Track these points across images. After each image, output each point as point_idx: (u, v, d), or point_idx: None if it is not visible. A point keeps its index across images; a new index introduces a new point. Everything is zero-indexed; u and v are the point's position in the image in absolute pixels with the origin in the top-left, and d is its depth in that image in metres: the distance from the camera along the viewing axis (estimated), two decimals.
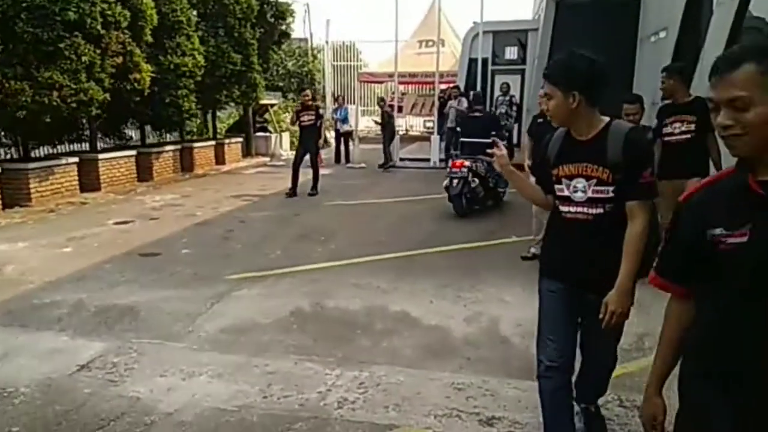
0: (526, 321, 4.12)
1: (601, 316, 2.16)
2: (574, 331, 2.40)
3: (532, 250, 5.71)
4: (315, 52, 24.53)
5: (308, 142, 9.44)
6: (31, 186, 8.34)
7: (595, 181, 2.16)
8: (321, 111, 10.16)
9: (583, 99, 2.12)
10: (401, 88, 17.08)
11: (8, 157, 9.33)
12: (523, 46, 15.50)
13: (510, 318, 4.21)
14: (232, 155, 14.33)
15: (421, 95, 23.00)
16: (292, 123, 9.97)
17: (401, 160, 13.72)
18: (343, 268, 5.47)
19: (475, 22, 16.44)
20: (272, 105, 17.47)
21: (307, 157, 9.53)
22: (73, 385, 3.19)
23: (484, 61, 13.62)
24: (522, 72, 15.22)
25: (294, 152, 10.31)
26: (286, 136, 17.08)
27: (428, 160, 13.32)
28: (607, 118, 2.21)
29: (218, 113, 15.37)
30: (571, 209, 2.24)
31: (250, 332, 3.96)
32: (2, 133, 9.19)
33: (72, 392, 3.11)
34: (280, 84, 21.76)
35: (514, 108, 13.04)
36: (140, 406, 2.98)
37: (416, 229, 7.15)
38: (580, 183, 2.19)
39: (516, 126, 13.73)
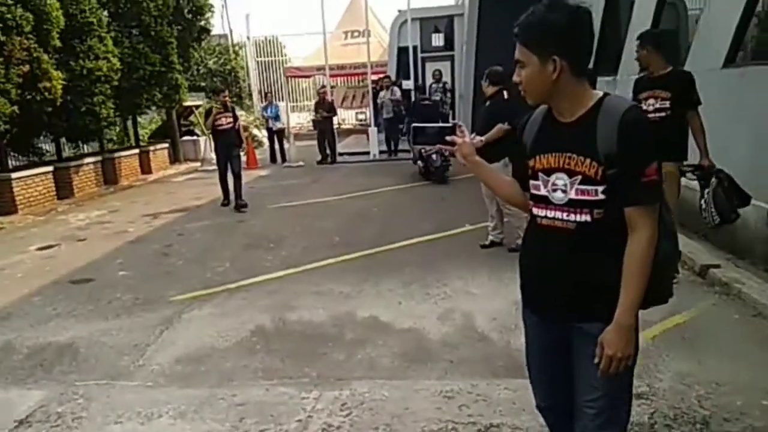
0: (499, 313, 4.02)
1: (596, 360, 1.65)
2: (564, 368, 1.81)
3: (491, 237, 5.62)
4: (236, 48, 23.66)
5: (229, 147, 8.42)
6: None
7: (579, 177, 1.63)
8: (236, 112, 9.53)
9: (565, 65, 1.61)
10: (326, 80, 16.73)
11: None
12: (450, 32, 15.50)
13: (483, 312, 4.07)
14: (159, 163, 13.52)
15: (351, 87, 22.68)
16: (208, 128, 8.94)
17: (340, 154, 13.41)
18: (300, 276, 5.16)
19: (400, 10, 16.31)
20: (197, 106, 16.66)
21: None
22: None
23: (414, 48, 13.47)
24: (452, 58, 15.24)
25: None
26: None
27: (368, 153, 13.09)
28: (599, 93, 1.68)
29: (139, 119, 14.46)
30: (549, 214, 1.71)
31: (209, 359, 3.60)
32: None
33: None
34: (203, 84, 20.82)
35: (449, 95, 13.04)
36: None
37: (369, 226, 6.91)
38: (560, 179, 1.67)
39: (451, 113, 13.74)
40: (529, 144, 1.79)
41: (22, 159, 10.57)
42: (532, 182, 1.76)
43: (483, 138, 5.02)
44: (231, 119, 8.36)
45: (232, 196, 8.48)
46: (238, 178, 8.34)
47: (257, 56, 23.02)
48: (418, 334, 3.80)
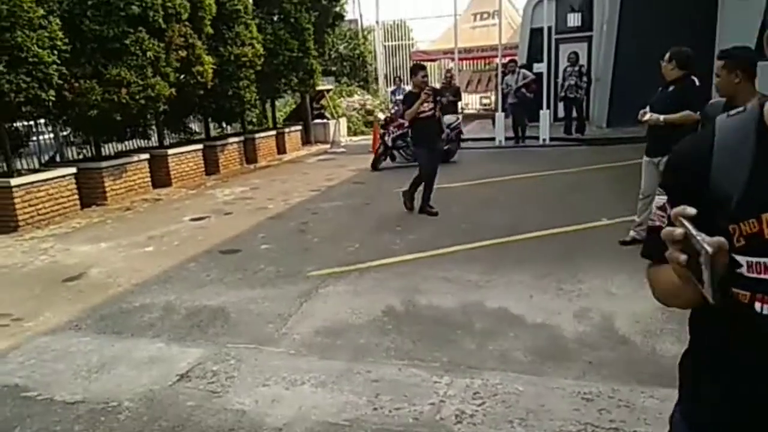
0: (642, 316, 3.78)
1: None
2: None
3: (632, 233, 5.28)
4: (365, 33, 24.17)
5: (434, 139, 6.94)
6: (106, 184, 8.48)
7: None
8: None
9: None
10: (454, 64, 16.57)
11: (81, 156, 9.53)
12: (588, 12, 14.62)
13: (624, 313, 3.85)
14: (292, 144, 14.27)
15: (476, 71, 22.31)
16: (411, 116, 6.74)
17: (463, 140, 13.27)
18: (429, 261, 5.21)
19: None
20: (328, 90, 17.30)
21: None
22: (176, 398, 3.08)
23: (548, 29, 12.88)
24: (588, 39, 14.38)
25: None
26: (343, 121, 16.92)
27: (493, 139, 12.82)
28: None
29: (276, 102, 15.34)
30: None
31: (345, 334, 3.77)
32: (74, 133, 9.39)
33: (175, 406, 3.00)
34: (333, 68, 21.57)
35: (584, 79, 12.34)
36: (247, 421, 2.83)
37: (496, 214, 6.79)
38: None
39: (585, 98, 13.02)
40: (741, 186, 0.97)
41: (174, 137, 11.66)
42: (746, 258, 0.97)
43: (662, 118, 4.70)
44: (433, 103, 6.79)
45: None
46: (430, 178, 6.93)
47: (385, 41, 23.36)
48: (552, 330, 3.69)
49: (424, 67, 7.16)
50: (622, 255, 5.03)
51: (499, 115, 12.96)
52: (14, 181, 7.01)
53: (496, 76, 14.64)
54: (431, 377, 3.17)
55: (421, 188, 7.02)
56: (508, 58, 13.98)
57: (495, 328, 3.75)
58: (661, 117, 4.70)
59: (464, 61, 21.12)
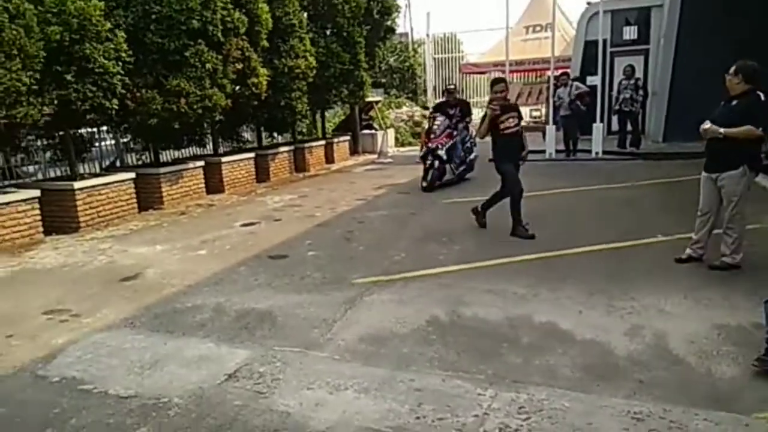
0: (698, 337, 3.64)
1: None
2: None
3: (688, 251, 5.09)
4: (416, 46, 24.33)
5: (518, 156, 6.51)
6: (163, 189, 8.81)
7: None
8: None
9: None
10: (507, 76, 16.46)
11: (140, 162, 9.95)
12: (645, 25, 14.27)
13: (678, 333, 3.71)
14: (341, 154, 14.47)
15: (527, 84, 22.08)
16: (483, 134, 6.46)
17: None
18: (474, 272, 5.16)
19: (589, 2, 15.45)
20: (377, 102, 17.48)
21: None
22: (223, 397, 3.15)
23: (603, 42, 12.64)
24: (645, 53, 14.02)
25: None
26: (391, 132, 17.04)
27: (543, 151, 12.63)
28: None
29: (326, 113, 15.62)
30: None
31: (389, 342, 3.78)
32: (134, 140, 9.82)
33: (222, 404, 3.08)
34: (383, 80, 21.79)
35: (641, 92, 12.02)
36: (292, 423, 2.87)
37: (544, 227, 6.66)
38: None
39: (641, 111, 12.68)
40: None
41: (227, 145, 12.02)
42: None
43: (722, 131, 4.55)
44: (518, 119, 6.41)
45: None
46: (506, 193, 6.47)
47: (435, 53, 23.46)
48: (602, 347, 3.58)
49: (501, 81, 6.65)
50: (676, 273, 4.87)
51: (550, 128, 12.77)
52: (77, 185, 7.39)
53: (548, 88, 14.46)
54: (475, 389, 3.14)
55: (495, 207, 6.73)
56: (560, 71, 13.79)
57: (542, 343, 3.68)
58: (721, 130, 4.54)
59: (515, 74, 20.95)
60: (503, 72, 16.20)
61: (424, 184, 9.52)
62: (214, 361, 3.59)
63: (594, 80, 12.66)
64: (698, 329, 3.75)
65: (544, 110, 19.10)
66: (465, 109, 10.34)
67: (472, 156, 10.43)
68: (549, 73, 14.40)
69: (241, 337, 3.93)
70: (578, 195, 8.63)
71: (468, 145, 10.34)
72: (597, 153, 12.22)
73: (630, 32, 14.48)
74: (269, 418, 2.92)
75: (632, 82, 11.93)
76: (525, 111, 21.93)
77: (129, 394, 3.23)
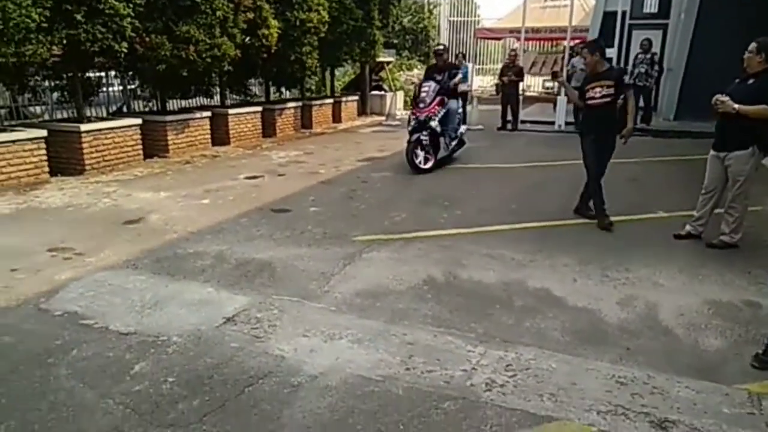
0: (689, 310, 3.70)
1: None
2: None
3: (688, 227, 5.12)
4: (431, 7, 23.84)
5: (607, 134, 5.56)
6: (169, 138, 8.81)
7: None
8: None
9: None
10: (520, 44, 16.17)
11: (146, 109, 9.91)
12: None
13: (669, 305, 3.77)
14: (348, 113, 14.36)
15: (542, 53, 21.71)
16: (581, 103, 5.74)
17: (522, 122, 13.03)
18: (474, 236, 5.21)
19: None
20: (388, 63, 17.24)
21: None
22: (221, 338, 3.24)
23: (623, 14, 12.36)
24: (664, 27, 13.72)
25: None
26: (400, 95, 16.86)
27: (553, 123, 12.52)
28: None
29: (335, 70, 15.43)
30: None
31: (385, 298, 3.85)
32: (141, 86, 9.76)
33: (220, 345, 3.17)
34: (395, 41, 21.43)
35: (656, 67, 11.83)
36: (286, 366, 2.97)
37: (547, 197, 6.70)
38: None
39: (655, 87, 12.50)
40: None
41: (234, 98, 11.94)
42: None
43: (736, 106, 4.46)
44: (612, 89, 5.39)
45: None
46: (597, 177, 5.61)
47: (450, 16, 22.99)
48: (593, 315, 3.65)
49: (585, 45, 5.98)
50: (674, 248, 4.91)
51: (561, 99, 12.62)
52: (84, 127, 7.40)
53: (563, 59, 14.23)
54: (465, 346, 3.22)
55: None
56: (577, 41, 13.54)
57: (534, 307, 3.75)
58: (735, 105, 4.48)
59: (530, 42, 20.57)
60: (518, 39, 15.92)
61: (419, 164, 7.85)
62: (214, 305, 3.68)
63: (610, 52, 12.41)
64: (689, 303, 3.81)
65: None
66: (452, 71, 8.64)
67: (462, 129, 9.01)
68: (565, 42, 14.15)
69: (240, 284, 4.01)
70: (581, 167, 8.58)
71: (459, 115, 8.95)
72: None
73: (650, 5, 14.12)
74: (264, 361, 3.01)
75: (648, 56, 11.72)
76: (538, 81, 21.68)
77: (129, 330, 3.32)
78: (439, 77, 8.35)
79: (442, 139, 8.28)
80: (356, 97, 15.07)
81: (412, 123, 8.06)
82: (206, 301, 3.73)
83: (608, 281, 4.18)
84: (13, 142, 6.55)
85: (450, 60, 9.91)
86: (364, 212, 5.98)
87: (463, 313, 3.65)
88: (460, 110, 9.14)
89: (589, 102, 5.54)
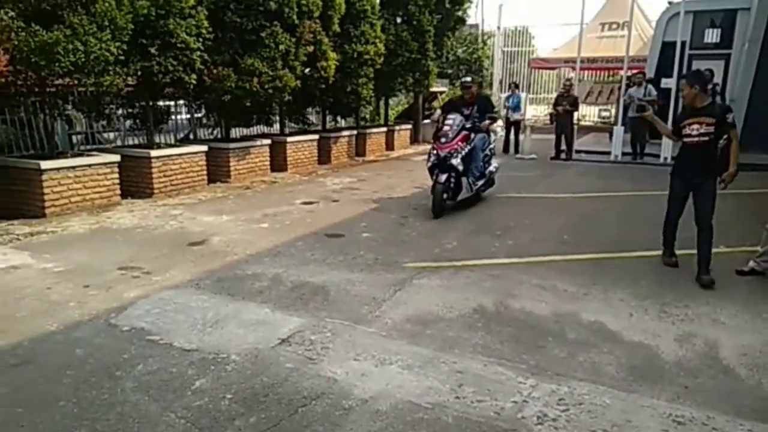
0: (751, 349, 3.57)
1: None
2: None
3: (752, 263, 4.93)
4: (485, 38, 24.04)
5: (702, 176, 4.91)
6: (231, 164, 9.22)
7: None
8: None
9: None
10: (575, 74, 16.07)
11: (211, 137, 10.41)
12: (729, 28, 13.57)
13: (731, 343, 3.64)
14: (401, 142, 14.59)
15: (598, 82, 21.45)
16: (668, 133, 5.51)
17: (576, 152, 12.88)
18: (525, 267, 5.19)
19: (671, 2, 14.84)
20: (441, 92, 17.46)
21: None
22: (276, 359, 3.36)
23: (682, 44, 12.13)
24: (726, 57, 13.35)
25: None
26: None
27: (608, 153, 12.32)
28: None
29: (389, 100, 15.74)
30: None
31: (435, 325, 3.89)
32: (207, 115, 10.28)
33: (275, 365, 3.28)
34: (449, 71, 21.68)
35: (718, 98, 11.50)
36: (337, 389, 3.04)
37: (601, 229, 6.59)
38: None
39: None
40: None
41: (292, 126, 12.36)
42: None
43: None
44: (712, 127, 4.76)
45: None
46: (707, 231, 4.84)
47: (504, 46, 23.11)
48: (650, 350, 3.57)
49: (684, 76, 5.29)
50: (736, 285, 4.73)
51: (618, 129, 12.43)
52: (153, 153, 7.86)
53: (619, 88, 14.04)
54: (516, 377, 3.21)
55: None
56: (634, 71, 13.36)
57: (588, 341, 3.69)
58: None
59: (586, 71, 20.40)
60: (573, 69, 15.82)
61: (435, 207, 6.98)
62: (270, 325, 3.82)
63: (669, 83, 12.19)
64: (753, 342, 3.67)
65: (613, 111, 18.53)
66: (485, 106, 7.91)
67: (492, 167, 8.07)
68: (622, 72, 13.97)
69: (295, 306, 4.14)
70: (640, 199, 8.41)
71: (488, 152, 7.99)
72: (666, 158, 11.80)
73: (712, 35, 13.81)
74: (317, 383, 3.10)
75: (710, 87, 11.41)
76: (594, 110, 21.39)
77: (191, 347, 3.49)
78: (467, 112, 7.56)
79: (464, 179, 7.30)
80: (409, 126, 15.30)
81: (432, 159, 7.15)
82: (263, 321, 3.88)
83: (666, 317, 4.07)
84: (89, 165, 7.02)
85: (491, 91, 9.47)
86: (415, 239, 6.06)
87: (514, 343, 3.64)
88: (492, 146, 8.22)
89: (686, 140, 4.94)
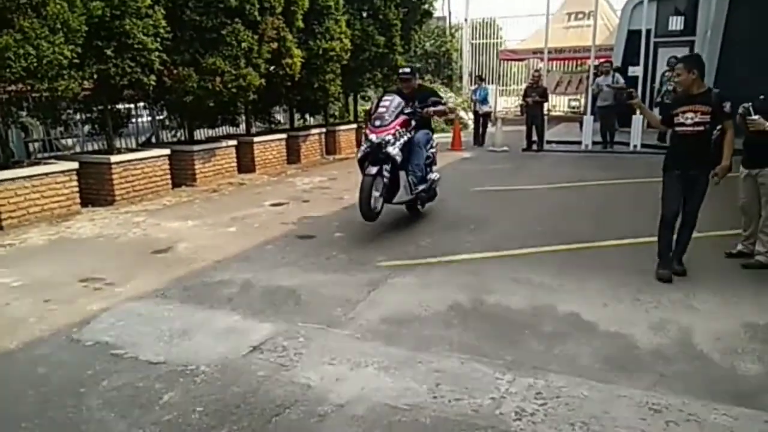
0: (725, 334, 3.59)
1: None
2: None
3: (740, 246, 5.02)
4: (453, 30, 24.05)
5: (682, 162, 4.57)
6: (196, 167, 8.99)
7: None
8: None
9: None
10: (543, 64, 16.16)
11: (174, 139, 10.15)
12: (693, 15, 13.80)
13: (705, 329, 3.65)
14: None
15: (566, 72, 21.64)
16: (657, 125, 5.30)
17: (547, 142, 12.96)
18: (500, 261, 5.15)
19: None
20: None
21: None
22: (248, 367, 3.25)
23: (647, 32, 12.28)
24: (690, 44, 13.58)
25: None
26: None
27: (579, 142, 12.43)
28: None
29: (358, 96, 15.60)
30: None
31: (410, 324, 3.82)
32: (169, 117, 10.01)
33: (247, 374, 3.17)
34: (418, 65, 21.63)
35: None
36: (312, 395, 2.95)
37: (576, 219, 6.60)
38: None
39: None
40: None
41: (259, 126, 12.14)
42: None
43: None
44: (708, 116, 4.45)
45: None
46: (691, 225, 4.73)
47: (472, 38, 23.16)
48: (626, 340, 3.55)
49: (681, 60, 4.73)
50: (708, 270, 4.77)
51: (588, 118, 12.54)
52: (114, 158, 7.60)
53: (587, 78, 14.18)
54: (494, 373, 3.16)
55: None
56: (601, 60, 13.49)
57: (564, 332, 3.67)
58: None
59: (554, 62, 20.56)
60: (542, 60, 15.92)
61: (374, 208, 5.68)
62: (240, 333, 3.70)
63: (636, 71, 12.34)
64: (727, 327, 3.69)
65: (582, 100, 18.74)
66: (428, 100, 6.31)
67: (434, 175, 6.61)
68: (589, 61, 14.11)
69: (266, 312, 4.02)
70: (612, 187, 8.49)
71: (430, 154, 6.51)
72: (635, 146, 11.96)
73: (676, 22, 14.02)
74: (291, 390, 3.00)
75: (675, 73, 11.59)
76: (563, 100, 21.60)
77: (158, 360, 3.35)
78: (407, 110, 6.04)
79: (403, 176, 6.06)
80: None
81: (363, 147, 5.92)
82: (233, 329, 3.75)
83: (640, 305, 4.07)
84: (47, 174, 6.75)
85: (419, 84, 6.96)
86: (389, 237, 5.98)
87: (491, 339, 3.59)
88: (433, 149, 6.63)
89: (678, 129, 4.59)
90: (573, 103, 21.03)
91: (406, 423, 2.72)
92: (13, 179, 6.38)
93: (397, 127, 5.85)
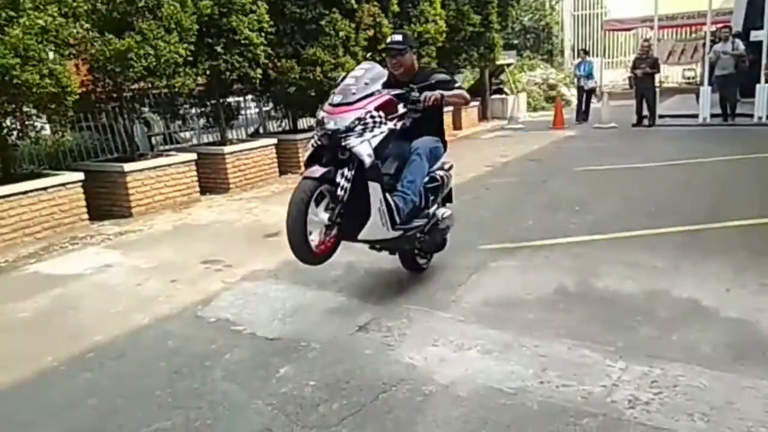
0: None
1: None
2: None
3: None
4: (552, 3, 23.02)
5: None
6: (300, 155, 9.35)
7: None
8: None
9: None
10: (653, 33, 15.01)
11: (280, 129, 10.62)
12: None
13: None
14: (469, 120, 14.28)
15: (680, 40, 20.03)
16: None
17: (660, 117, 12.11)
18: (608, 243, 4.94)
19: None
20: (508, 65, 16.90)
21: None
22: (355, 346, 3.39)
23: None
24: None
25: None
26: (523, 97, 16.43)
27: (696, 116, 11.50)
28: None
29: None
30: None
31: (514, 308, 3.78)
32: (274, 108, 10.48)
33: (354, 353, 3.31)
34: (515, 42, 20.98)
35: None
36: (417, 375, 3.03)
37: (692, 198, 6.17)
38: None
39: None
40: None
41: None
42: None
43: None
44: None
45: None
46: None
47: (574, 10, 22.04)
48: (751, 327, 3.30)
49: None
50: None
51: (705, 89, 11.56)
52: (227, 149, 8.13)
53: (704, 45, 13.03)
54: (604, 360, 3.06)
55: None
56: (719, 25, 12.34)
57: (681, 319, 3.47)
58: None
59: (666, 30, 19.08)
60: (651, 28, 14.84)
61: (311, 240, 3.49)
62: (347, 313, 3.85)
63: (759, 35, 11.16)
64: None
65: (698, 70, 17.28)
66: (435, 81, 3.92)
67: (441, 211, 4.35)
68: (705, 28, 12.94)
69: (370, 294, 4.15)
70: (732, 164, 7.80)
71: (439, 176, 4.32)
72: (760, 118, 10.87)
73: None
74: (396, 369, 3.10)
75: None
76: (677, 71, 20.01)
77: (274, 336, 3.58)
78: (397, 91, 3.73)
79: (379, 195, 3.52)
80: (476, 103, 14.93)
81: (313, 138, 3.66)
82: (339, 309, 3.92)
83: (766, 291, 3.75)
84: (169, 165, 7.36)
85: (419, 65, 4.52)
86: (490, 220, 5.92)
87: (600, 325, 3.48)
88: (443, 170, 4.46)
89: None
90: (688, 74, 19.41)
91: (512, 406, 2.71)
92: (140, 170, 7.02)
93: (371, 110, 3.47)
